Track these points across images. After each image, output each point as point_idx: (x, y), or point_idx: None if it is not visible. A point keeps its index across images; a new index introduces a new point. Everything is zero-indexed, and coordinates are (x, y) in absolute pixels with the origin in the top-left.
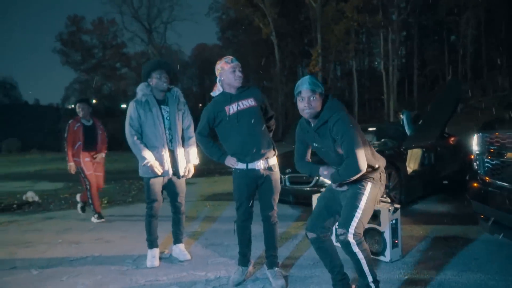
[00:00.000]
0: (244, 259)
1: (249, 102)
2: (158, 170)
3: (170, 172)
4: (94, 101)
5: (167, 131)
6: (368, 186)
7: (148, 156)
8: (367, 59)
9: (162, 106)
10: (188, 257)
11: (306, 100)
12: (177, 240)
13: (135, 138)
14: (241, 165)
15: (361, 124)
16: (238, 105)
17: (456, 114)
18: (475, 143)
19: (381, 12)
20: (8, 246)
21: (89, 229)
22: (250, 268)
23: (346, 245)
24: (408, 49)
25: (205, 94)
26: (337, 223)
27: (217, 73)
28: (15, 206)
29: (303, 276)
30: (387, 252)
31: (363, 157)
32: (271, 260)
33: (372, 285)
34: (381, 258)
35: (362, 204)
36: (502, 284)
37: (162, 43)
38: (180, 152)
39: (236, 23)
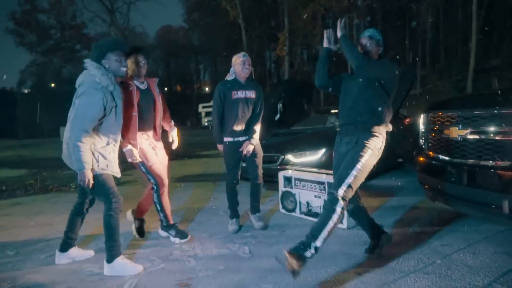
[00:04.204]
0: (235, 213)
1: (250, 94)
2: (91, 183)
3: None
4: (52, 85)
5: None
6: (367, 153)
7: (90, 164)
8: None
9: None
10: (91, 253)
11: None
12: (73, 243)
13: (87, 136)
14: (229, 138)
15: (326, 107)
16: (242, 93)
17: (411, 97)
18: (421, 122)
19: None
20: None
21: (61, 212)
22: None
23: (331, 201)
24: None
25: (171, 77)
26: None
27: (232, 63)
28: None
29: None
30: (344, 220)
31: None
32: (255, 208)
33: (313, 247)
34: (340, 225)
35: (356, 169)
36: (438, 242)
37: (125, 24)
38: None
39: (202, 5)
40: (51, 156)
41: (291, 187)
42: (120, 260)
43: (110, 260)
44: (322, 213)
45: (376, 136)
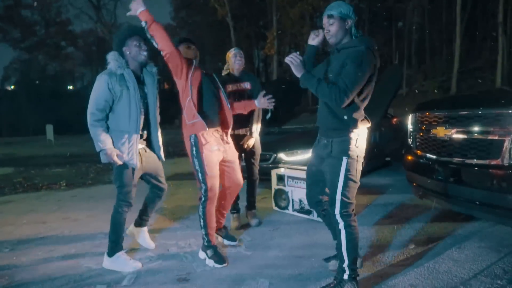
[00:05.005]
0: (235, 206)
1: (245, 85)
2: (117, 161)
3: (138, 164)
4: (37, 82)
5: (143, 115)
6: (344, 162)
7: (107, 143)
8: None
9: (139, 86)
10: (152, 245)
11: (326, 27)
12: (143, 223)
13: (96, 118)
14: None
15: (315, 106)
16: (236, 85)
17: (397, 97)
18: (409, 122)
19: None
20: None
21: (53, 210)
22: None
23: (334, 222)
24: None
25: (159, 75)
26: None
27: (226, 60)
28: None
29: (264, 240)
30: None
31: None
32: (250, 203)
33: (346, 268)
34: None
35: (340, 185)
36: (425, 238)
37: (112, 21)
38: (157, 136)
39: (191, 3)
40: (38, 154)
41: (284, 185)
42: (121, 255)
43: (111, 254)
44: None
45: (350, 137)
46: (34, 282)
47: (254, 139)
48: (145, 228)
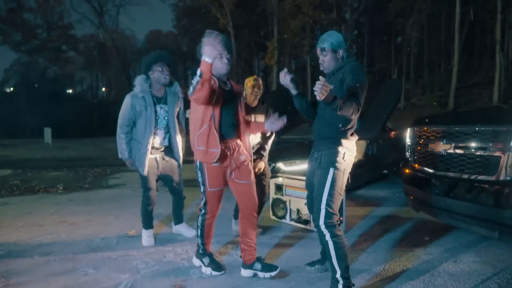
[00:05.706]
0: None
1: (260, 118)
2: (130, 167)
3: (145, 171)
4: (35, 85)
5: (161, 130)
6: (331, 173)
7: (125, 154)
8: None
9: (161, 105)
10: (192, 234)
11: (320, 58)
12: (179, 220)
13: (121, 132)
14: None
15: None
16: (251, 117)
17: (396, 110)
18: (407, 136)
19: (335, 11)
20: None
21: (50, 213)
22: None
23: (319, 233)
24: (359, 48)
25: None
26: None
27: (244, 86)
28: None
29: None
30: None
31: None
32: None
33: (339, 279)
34: None
35: (325, 195)
36: (422, 251)
37: (114, 27)
38: (177, 146)
39: (192, 12)
40: (35, 157)
41: (282, 195)
42: (144, 232)
43: (144, 227)
44: (324, 246)
45: (338, 151)
46: (30, 286)
47: (263, 163)
48: (182, 224)
